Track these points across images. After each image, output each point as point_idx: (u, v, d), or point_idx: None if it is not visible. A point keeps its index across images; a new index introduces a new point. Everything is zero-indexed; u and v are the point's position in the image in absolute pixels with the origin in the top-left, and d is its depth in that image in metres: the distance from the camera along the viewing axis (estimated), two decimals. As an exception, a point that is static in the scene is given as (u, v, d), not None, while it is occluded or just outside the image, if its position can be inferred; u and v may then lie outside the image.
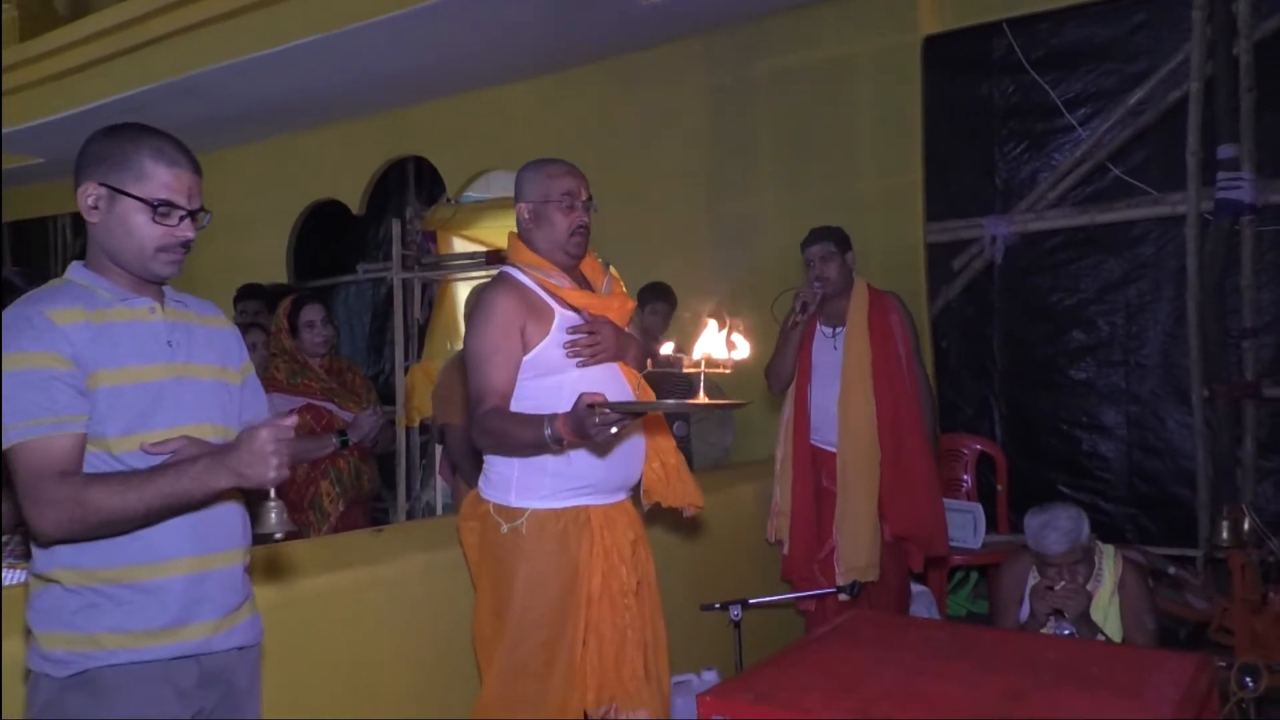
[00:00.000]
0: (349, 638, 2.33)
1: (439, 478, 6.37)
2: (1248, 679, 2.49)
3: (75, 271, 1.74)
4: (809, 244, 3.65)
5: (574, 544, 2.35)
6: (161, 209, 1.69)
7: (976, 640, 2.16)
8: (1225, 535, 3.80)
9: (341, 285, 7.54)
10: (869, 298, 3.61)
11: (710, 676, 3.24)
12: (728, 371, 1.97)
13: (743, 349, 1.97)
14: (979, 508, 4.34)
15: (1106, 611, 2.82)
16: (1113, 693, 1.72)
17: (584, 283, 2.55)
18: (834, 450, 3.54)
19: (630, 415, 2.10)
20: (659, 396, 2.69)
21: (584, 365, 2.38)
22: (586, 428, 2.05)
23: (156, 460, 1.64)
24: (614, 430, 2.03)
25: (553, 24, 5.11)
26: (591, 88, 5.81)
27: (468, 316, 2.48)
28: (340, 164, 6.89)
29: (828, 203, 5.01)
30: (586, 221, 2.50)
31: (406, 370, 6.85)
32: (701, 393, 2.00)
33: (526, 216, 2.49)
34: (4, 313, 1.63)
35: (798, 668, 1.92)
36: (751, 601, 3.28)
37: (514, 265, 2.49)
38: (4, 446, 1.58)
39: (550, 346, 2.37)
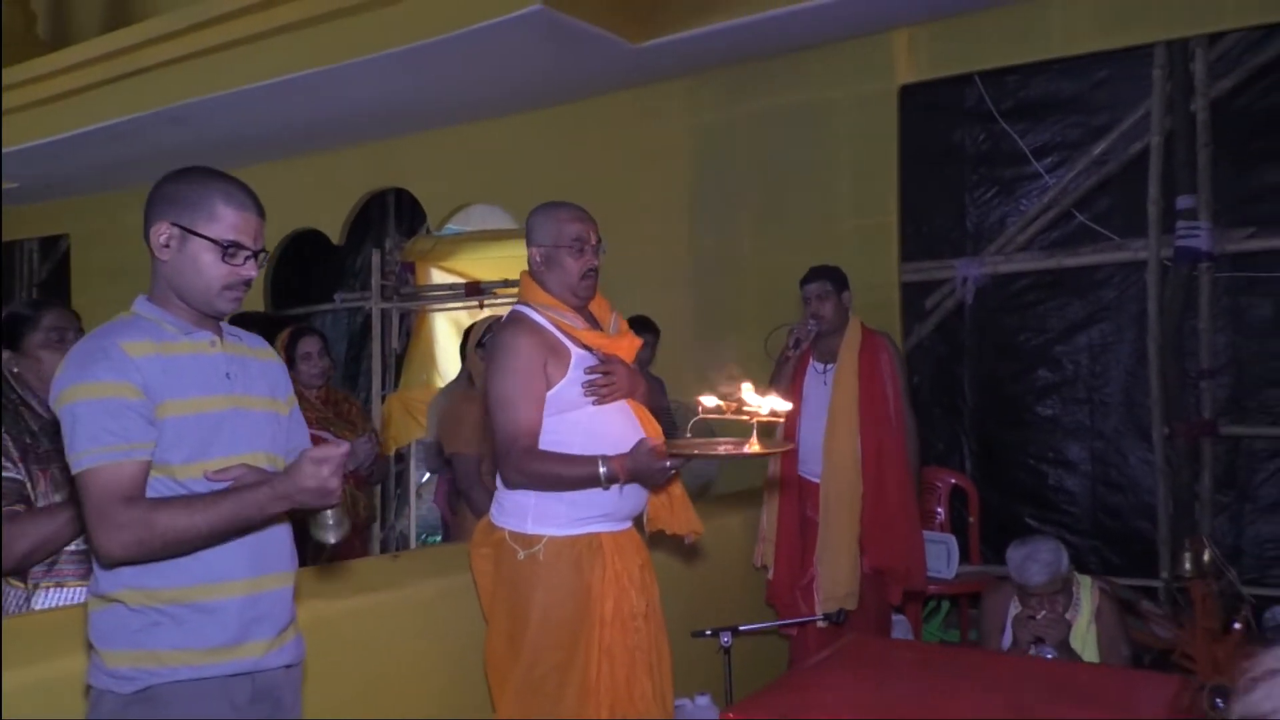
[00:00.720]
0: (369, 659, 2.41)
1: (431, 506, 6.40)
2: (1219, 699, 2.64)
3: (141, 306, 1.83)
4: (807, 281, 3.79)
5: (588, 569, 2.46)
6: (230, 249, 1.79)
7: (973, 662, 2.29)
8: (1188, 566, 3.97)
9: (318, 314, 7.58)
10: (861, 337, 3.76)
11: (703, 701, 3.34)
12: (780, 420, 2.11)
13: (782, 404, 2.13)
14: (953, 539, 4.49)
15: (1084, 639, 2.97)
16: (1107, 708, 1.85)
17: (592, 321, 2.65)
18: (818, 482, 3.68)
19: (687, 458, 2.24)
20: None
21: (599, 403, 2.49)
22: (650, 470, 2.22)
23: (218, 486, 1.72)
24: (672, 471, 2.17)
25: (539, 63, 5.24)
26: (575, 125, 5.95)
27: (488, 355, 2.56)
28: (321, 194, 6.96)
29: (806, 241, 5.20)
30: (596, 265, 2.60)
31: (383, 399, 6.90)
32: (754, 440, 2.14)
33: (539, 259, 2.60)
34: (79, 344, 1.72)
35: (810, 689, 2.04)
36: (742, 629, 3.39)
37: (528, 305, 2.59)
38: (76, 471, 1.66)
39: (568, 385, 2.48)
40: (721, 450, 2.33)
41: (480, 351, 3.64)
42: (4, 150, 6.59)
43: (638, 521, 2.64)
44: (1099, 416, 4.92)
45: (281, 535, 1.83)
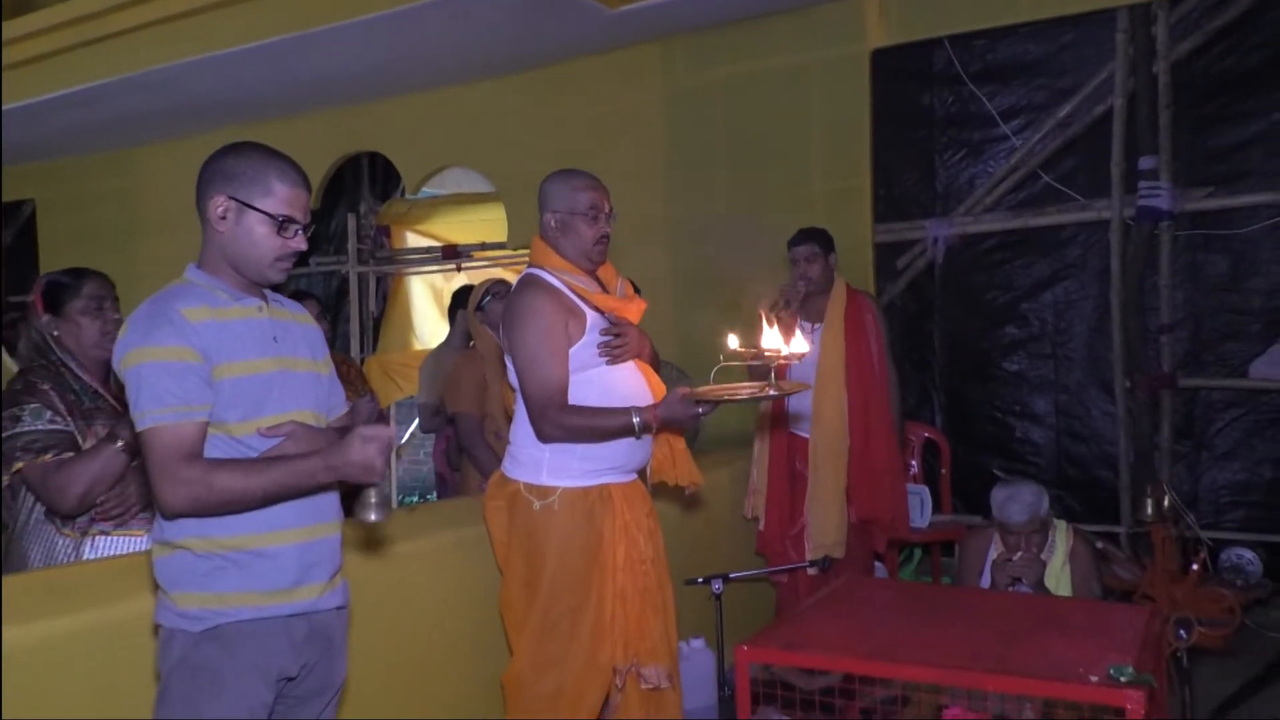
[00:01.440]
0: (392, 606, 2.52)
1: (407, 467, 6.50)
2: (1181, 630, 2.85)
3: (193, 274, 1.92)
4: (795, 244, 3.91)
5: (600, 518, 2.59)
6: (284, 223, 1.88)
7: (960, 599, 2.46)
8: (1148, 512, 4.19)
9: (293, 277, 7.58)
10: (847, 297, 3.90)
11: (698, 644, 3.50)
12: (798, 361, 2.24)
13: (800, 344, 2.26)
14: (926, 490, 4.67)
15: (1059, 578, 3.17)
16: (1087, 635, 2.02)
17: (600, 285, 2.76)
18: (807, 437, 3.83)
19: (717, 404, 2.38)
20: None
21: (612, 363, 2.61)
22: (684, 417, 2.38)
23: (272, 442, 1.83)
24: (703, 416, 2.31)
25: (514, 27, 5.27)
26: (550, 89, 5.99)
27: (508, 317, 2.65)
28: (296, 156, 6.82)
29: (781, 204, 5.32)
30: (609, 232, 2.70)
31: (362, 362, 6.96)
32: (773, 378, 2.29)
33: (553, 225, 2.69)
34: (140, 309, 1.81)
35: (813, 623, 2.19)
36: (732, 576, 3.55)
37: (542, 268, 2.68)
38: (140, 429, 1.76)
39: (585, 346, 2.59)
40: (744, 394, 2.47)
41: (480, 314, 3.73)
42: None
43: (642, 474, 2.77)
44: (1063, 370, 5.13)
45: (331, 489, 1.94)
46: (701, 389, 2.44)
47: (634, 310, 2.74)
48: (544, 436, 2.57)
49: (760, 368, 2.35)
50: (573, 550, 2.58)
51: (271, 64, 5.68)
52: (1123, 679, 1.75)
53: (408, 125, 6.53)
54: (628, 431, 2.49)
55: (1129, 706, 1.71)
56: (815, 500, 3.77)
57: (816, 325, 3.90)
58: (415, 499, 7.64)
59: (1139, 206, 4.74)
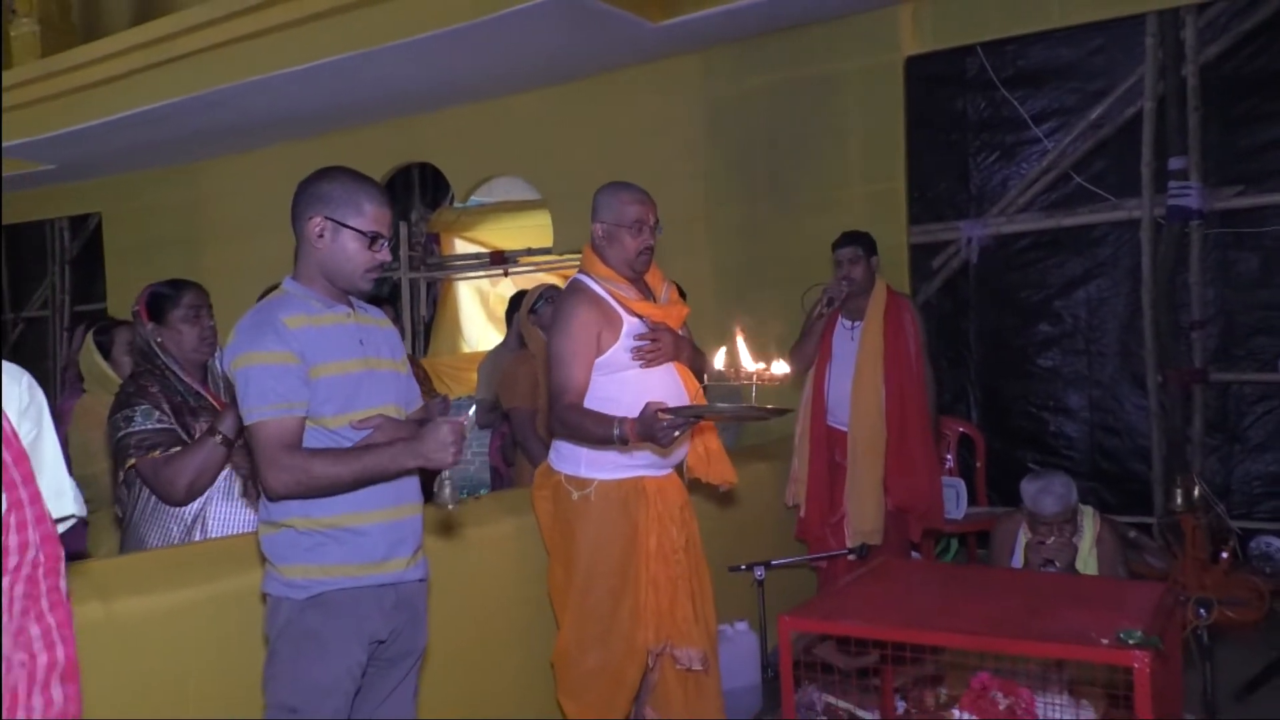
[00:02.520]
0: (459, 584, 2.75)
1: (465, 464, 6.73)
2: (1202, 610, 2.99)
3: (290, 285, 2.17)
4: (839, 246, 4.08)
5: (634, 509, 2.80)
6: (374, 239, 2.11)
7: (989, 577, 2.64)
8: (1179, 501, 4.34)
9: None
10: (887, 298, 4.08)
11: (742, 627, 3.70)
12: (777, 384, 2.42)
13: (782, 367, 2.43)
14: (961, 483, 4.83)
15: (1086, 562, 3.33)
16: (1103, 607, 2.20)
17: (646, 290, 2.96)
18: (846, 430, 4.01)
19: (691, 420, 2.55)
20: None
21: (646, 366, 2.81)
22: (655, 432, 2.49)
23: (363, 434, 2.07)
24: (676, 434, 2.48)
25: (560, 42, 5.50)
26: (594, 99, 6.21)
27: (552, 317, 2.88)
28: (350, 168, 7.21)
29: (818, 207, 5.51)
30: (652, 244, 2.89)
31: (415, 365, 7.22)
32: (753, 398, 2.46)
33: (600, 234, 2.89)
34: (247, 318, 2.06)
35: (851, 597, 2.39)
36: (774, 563, 3.76)
37: (588, 275, 2.89)
38: (248, 423, 2.02)
39: (619, 350, 2.79)
40: (722, 408, 2.64)
41: (533, 317, 3.96)
42: (40, 137, 6.86)
43: (679, 468, 2.97)
44: (1096, 366, 5.26)
45: (413, 477, 2.18)
46: (674, 406, 2.55)
47: (674, 316, 2.93)
48: (551, 428, 2.78)
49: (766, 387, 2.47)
50: (607, 538, 2.79)
51: (329, 81, 5.97)
52: (1131, 641, 1.93)
53: (457, 136, 6.78)
54: (609, 441, 2.62)
55: (1136, 665, 1.89)
56: (854, 490, 3.95)
57: (857, 323, 4.07)
58: (464, 494, 7.90)
59: (1169, 206, 4.86)
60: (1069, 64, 5.25)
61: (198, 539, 2.50)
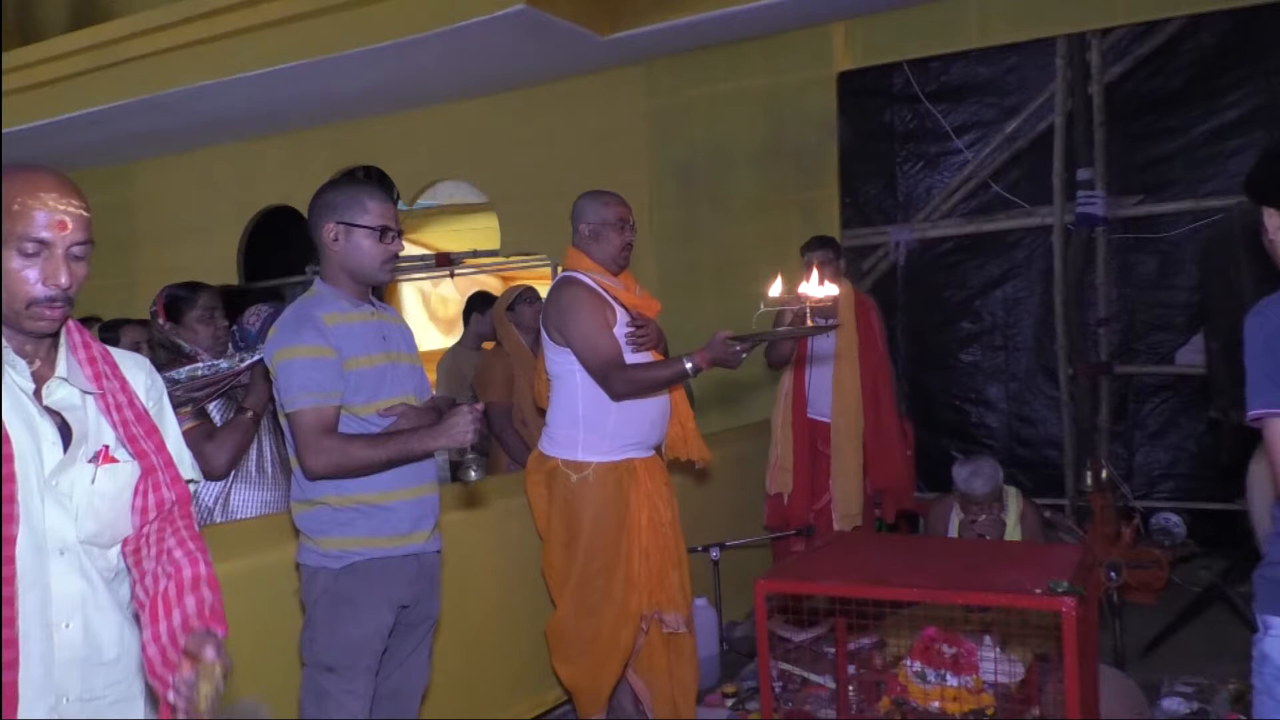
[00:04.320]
0: (457, 562, 2.98)
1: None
2: (1112, 573, 3.38)
3: (320, 287, 2.38)
4: (809, 249, 4.37)
5: (626, 488, 3.07)
6: (383, 233, 2.34)
7: (933, 545, 2.97)
8: (1088, 483, 4.76)
9: (290, 286, 7.96)
10: (854, 298, 4.41)
11: (701, 603, 3.97)
12: (829, 303, 2.73)
13: (831, 289, 2.73)
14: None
15: (1011, 536, 3.70)
16: (1030, 564, 2.53)
17: (622, 287, 3.23)
18: (827, 420, 4.32)
19: (757, 342, 2.85)
20: None
21: (636, 351, 3.08)
22: (727, 356, 2.77)
23: (388, 421, 2.29)
24: (744, 355, 2.77)
25: (512, 53, 5.71)
26: (540, 106, 6.45)
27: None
28: (294, 171, 7.30)
29: (756, 212, 5.86)
30: (632, 240, 3.17)
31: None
32: (809, 319, 2.78)
33: (586, 234, 3.15)
34: (286, 315, 2.27)
35: (817, 562, 2.68)
36: (728, 544, 4.06)
37: (578, 271, 3.14)
38: (289, 410, 2.23)
39: (616, 335, 3.06)
40: (780, 331, 2.91)
41: (510, 315, 4.19)
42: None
43: (659, 450, 3.26)
44: (1013, 360, 5.69)
45: (431, 460, 2.41)
46: (739, 332, 2.84)
47: (652, 309, 3.22)
48: (615, 395, 3.00)
49: (819, 309, 2.77)
50: (605, 515, 3.06)
51: (278, 86, 6.07)
52: (1059, 590, 2.26)
53: (403, 140, 6.94)
54: (683, 375, 2.89)
55: (1064, 610, 2.22)
56: (839, 476, 4.26)
57: (829, 320, 4.39)
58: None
59: (1077, 213, 5.31)
60: (987, 81, 5.67)
61: (219, 520, 2.69)
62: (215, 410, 2.81)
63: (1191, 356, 5.16)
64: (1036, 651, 3.23)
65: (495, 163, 6.66)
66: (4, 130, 6.75)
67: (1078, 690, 2.23)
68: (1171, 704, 2.83)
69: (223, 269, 7.53)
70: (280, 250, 7.94)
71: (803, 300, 2.73)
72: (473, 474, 2.26)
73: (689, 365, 2.86)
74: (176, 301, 2.86)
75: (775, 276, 2.79)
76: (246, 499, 2.73)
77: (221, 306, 2.92)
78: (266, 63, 5.73)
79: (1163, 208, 5.27)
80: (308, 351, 2.22)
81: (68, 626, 1.42)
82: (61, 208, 1.44)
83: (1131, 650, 3.75)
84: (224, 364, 2.74)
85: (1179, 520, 4.92)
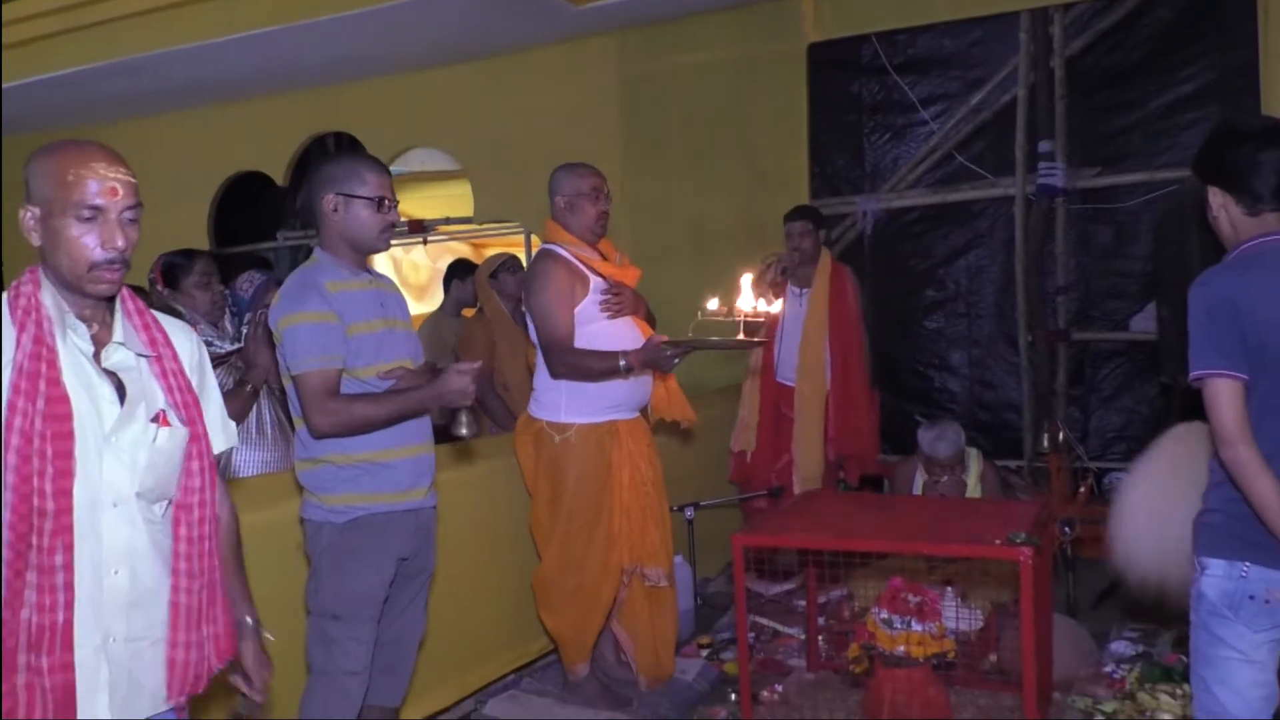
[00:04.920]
0: (451, 518, 3.10)
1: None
2: (1066, 528, 3.58)
3: (321, 256, 2.48)
4: (791, 219, 4.52)
5: (609, 448, 3.20)
6: (380, 203, 2.44)
7: (899, 503, 3.13)
8: (1045, 445, 4.96)
9: (261, 251, 7.98)
10: (831, 268, 4.54)
11: (676, 559, 4.13)
12: (762, 320, 2.85)
13: (775, 305, 2.87)
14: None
15: (972, 495, 3.89)
16: (993, 519, 2.70)
17: (601, 257, 3.34)
18: (792, 385, 4.49)
19: (688, 349, 2.97)
20: None
21: (612, 318, 3.20)
22: (659, 360, 2.93)
23: (387, 384, 2.40)
24: (676, 361, 2.90)
25: (479, 20, 5.75)
26: (513, 75, 6.49)
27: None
28: (264, 136, 7.31)
29: (729, 182, 5.97)
30: (608, 209, 3.29)
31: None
32: (741, 334, 2.90)
33: (562, 205, 3.26)
34: (290, 282, 2.37)
35: (789, 520, 2.84)
36: (702, 504, 4.22)
37: (555, 244, 3.26)
38: (295, 373, 2.34)
39: (589, 304, 3.19)
40: (712, 340, 3.07)
41: (493, 283, 4.29)
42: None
43: (644, 412, 3.39)
44: (975, 327, 5.88)
45: (427, 420, 2.53)
46: (673, 338, 3.01)
47: (630, 276, 3.34)
48: (554, 373, 3.16)
49: (752, 324, 2.92)
50: (588, 474, 3.20)
51: (251, 51, 6.07)
52: (1017, 540, 2.43)
53: (375, 107, 6.96)
54: (615, 371, 3.05)
55: (1021, 559, 2.40)
56: (801, 439, 4.42)
57: (805, 289, 4.53)
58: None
59: (1038, 184, 5.47)
60: (952, 54, 5.80)
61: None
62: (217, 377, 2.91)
63: (1145, 323, 5.36)
64: (995, 602, 3.43)
65: (468, 131, 6.70)
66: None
67: (1033, 632, 2.40)
68: (1119, 646, 3.03)
69: (193, 234, 7.51)
70: (249, 216, 7.95)
71: (737, 315, 2.88)
72: (465, 430, 2.38)
73: (623, 363, 3.02)
74: (174, 268, 2.94)
75: (711, 295, 2.96)
76: (247, 459, 2.84)
77: (217, 272, 3.00)
78: (239, 28, 5.73)
79: (1120, 179, 5.44)
80: (312, 317, 2.32)
81: (116, 573, 1.55)
82: (112, 175, 1.55)
83: (1084, 602, 3.96)
84: (221, 346, 2.84)
85: (1131, 480, 5.13)
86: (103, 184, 1.54)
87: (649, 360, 3.01)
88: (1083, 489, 5.01)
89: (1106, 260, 5.56)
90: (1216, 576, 1.91)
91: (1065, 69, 5.49)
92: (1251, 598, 1.87)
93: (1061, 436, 5.04)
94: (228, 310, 3.00)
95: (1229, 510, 1.90)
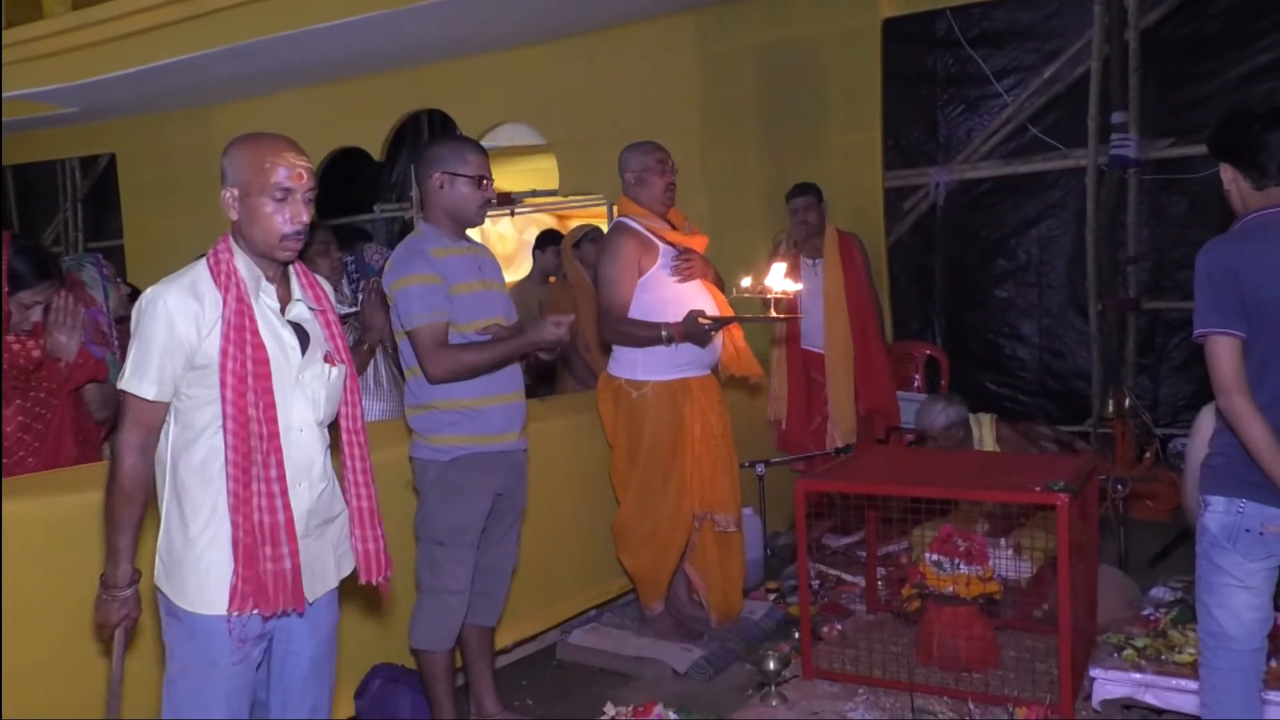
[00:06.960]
0: (539, 465, 3.40)
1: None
2: (1119, 485, 3.75)
3: (424, 226, 2.81)
4: (794, 196, 4.76)
5: (682, 404, 3.48)
6: (480, 181, 2.75)
7: (948, 455, 3.35)
8: (1110, 410, 5.09)
9: (360, 223, 8.42)
10: (838, 237, 4.77)
11: (748, 512, 4.39)
12: (791, 297, 3.12)
13: (792, 285, 3.13)
14: (925, 398, 5.56)
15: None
16: (1038, 468, 2.92)
17: (671, 226, 3.61)
18: (820, 351, 4.73)
19: (723, 323, 3.26)
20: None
21: (682, 282, 3.47)
22: (696, 332, 3.23)
23: (486, 337, 2.72)
24: (713, 334, 3.17)
25: (569, 2, 6.03)
26: (597, 53, 6.75)
27: (591, 259, 3.57)
28: (363, 114, 7.70)
29: (803, 155, 6.15)
30: (674, 180, 3.55)
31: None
32: (772, 309, 3.17)
33: (632, 181, 3.54)
34: (399, 250, 2.71)
35: (848, 470, 3.09)
36: (773, 461, 4.48)
37: (627, 217, 3.54)
38: (409, 328, 2.67)
39: (659, 270, 3.46)
40: (748, 315, 3.34)
41: (576, 252, 4.60)
42: (69, 84, 7.29)
43: (715, 371, 3.66)
44: (1045, 297, 6.00)
45: (519, 373, 2.86)
46: (710, 314, 3.32)
47: (698, 243, 3.60)
48: (604, 337, 3.47)
49: (780, 301, 3.20)
50: (662, 427, 3.48)
51: (354, 35, 6.43)
52: (1056, 488, 2.64)
53: (467, 85, 7.29)
54: (658, 339, 3.34)
55: (1058, 504, 2.61)
56: (834, 400, 4.66)
57: (817, 260, 4.76)
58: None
59: (1111, 155, 5.56)
60: (1027, 27, 5.90)
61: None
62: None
63: (1215, 293, 5.41)
64: (1049, 553, 3.63)
65: (555, 107, 6.99)
66: (100, 76, 7.22)
67: (1069, 571, 2.62)
68: (1159, 592, 3.20)
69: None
70: (347, 189, 8.38)
71: (766, 292, 3.15)
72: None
73: (664, 334, 3.32)
74: (299, 234, 3.29)
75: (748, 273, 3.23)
76: (367, 408, 3.16)
77: (336, 241, 3.34)
78: (342, 14, 6.09)
79: (1193, 150, 5.49)
80: (420, 279, 2.65)
81: (300, 485, 1.91)
82: (299, 163, 1.91)
83: (1139, 562, 4.12)
84: (340, 308, 3.19)
85: (1195, 445, 5.23)
86: (292, 170, 1.90)
87: (689, 333, 3.29)
88: (1148, 454, 5.15)
89: (1179, 230, 5.63)
90: (1217, 512, 2.12)
91: (1139, 41, 5.55)
92: (1247, 530, 2.08)
93: (1127, 403, 5.17)
94: (345, 277, 3.33)
95: (1228, 453, 2.11)
